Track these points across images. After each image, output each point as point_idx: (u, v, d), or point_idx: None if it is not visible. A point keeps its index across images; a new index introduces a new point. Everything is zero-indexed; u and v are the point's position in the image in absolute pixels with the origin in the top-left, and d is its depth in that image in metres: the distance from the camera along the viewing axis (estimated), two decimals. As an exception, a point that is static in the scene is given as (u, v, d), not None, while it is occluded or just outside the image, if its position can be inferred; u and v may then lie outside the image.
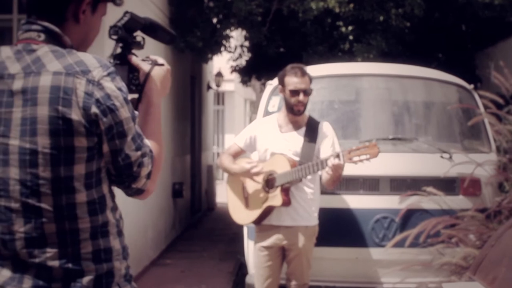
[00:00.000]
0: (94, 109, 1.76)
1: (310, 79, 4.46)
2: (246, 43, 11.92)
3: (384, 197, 5.16)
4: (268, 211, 4.40)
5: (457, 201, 5.16)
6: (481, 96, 5.59)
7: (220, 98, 21.81)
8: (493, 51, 10.59)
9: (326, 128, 4.47)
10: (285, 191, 4.33)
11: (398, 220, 5.12)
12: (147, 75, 2.03)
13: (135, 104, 2.01)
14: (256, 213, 4.44)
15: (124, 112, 1.82)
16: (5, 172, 1.80)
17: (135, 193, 1.95)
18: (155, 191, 6.54)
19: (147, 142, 1.93)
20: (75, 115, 1.75)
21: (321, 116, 5.17)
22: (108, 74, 1.80)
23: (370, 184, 5.06)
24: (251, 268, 5.05)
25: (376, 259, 5.14)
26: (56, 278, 1.81)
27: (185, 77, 11.33)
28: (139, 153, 1.87)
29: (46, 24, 1.85)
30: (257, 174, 4.37)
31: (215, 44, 9.87)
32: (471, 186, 5.16)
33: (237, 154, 4.65)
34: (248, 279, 5.19)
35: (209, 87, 14.96)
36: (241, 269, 7.40)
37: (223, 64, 15.39)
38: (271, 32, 10.43)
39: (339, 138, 4.67)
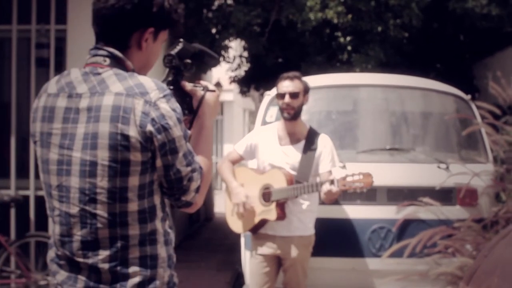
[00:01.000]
0: (149, 127, 1.94)
1: (305, 85, 4.47)
2: (245, 54, 11.96)
3: (381, 207, 5.16)
4: (263, 223, 4.43)
5: (454, 211, 5.16)
6: (478, 107, 5.61)
7: (219, 108, 21.80)
8: (491, 61, 10.62)
9: (325, 142, 4.48)
10: (280, 206, 4.35)
11: (395, 230, 5.12)
12: (201, 101, 2.23)
13: (189, 125, 2.20)
14: (251, 224, 4.47)
15: (177, 131, 2.00)
16: (68, 180, 2.00)
17: (184, 205, 2.12)
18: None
19: (197, 159, 2.11)
20: (132, 132, 1.93)
21: (319, 126, 5.18)
22: (164, 96, 1.98)
23: (367, 194, 5.06)
24: (248, 278, 5.05)
25: (373, 269, 5.14)
26: (104, 280, 1.99)
27: (184, 87, 11.35)
28: (189, 168, 2.04)
29: (111, 50, 2.04)
30: (244, 211, 4.40)
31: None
32: (468, 196, 5.16)
33: (237, 161, 4.67)
34: (245, 289, 5.19)
35: (208, 97, 14.98)
36: (239, 279, 7.39)
37: (222, 74, 15.42)
38: (270, 43, 10.46)
39: (337, 148, 4.68)
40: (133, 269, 2.00)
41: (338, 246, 5.07)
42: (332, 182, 4.14)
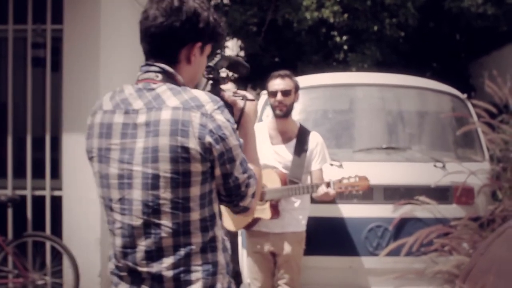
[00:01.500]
0: (208, 139, 2.01)
1: (295, 82, 4.49)
2: (242, 53, 11.96)
3: (377, 206, 5.17)
4: (256, 220, 4.45)
5: (451, 210, 5.17)
6: (474, 105, 5.62)
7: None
8: (487, 60, 10.65)
9: (316, 140, 4.51)
10: (274, 205, 4.38)
11: (391, 229, 5.13)
12: (243, 110, 2.31)
13: None
14: (244, 222, 4.49)
15: (233, 140, 2.08)
16: (130, 193, 2.06)
17: (242, 210, 2.20)
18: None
19: (250, 165, 2.20)
20: (192, 144, 2.00)
21: (316, 125, 5.19)
22: (218, 108, 2.06)
23: (364, 193, 5.07)
24: (246, 277, 5.06)
25: (369, 267, 5.15)
26: None
27: (180, 86, 11.35)
28: (246, 175, 2.14)
29: (162, 65, 2.12)
30: None
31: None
32: (464, 195, 5.17)
33: None
34: (242, 288, 5.20)
35: (204, 97, 15.00)
36: (236, 278, 7.38)
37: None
38: (266, 42, 10.47)
39: (333, 147, 4.70)
40: (195, 275, 2.06)
41: (335, 245, 5.08)
42: (328, 184, 4.21)
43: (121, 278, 2.13)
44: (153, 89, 2.08)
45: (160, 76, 2.11)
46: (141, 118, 2.04)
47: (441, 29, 10.57)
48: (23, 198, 6.20)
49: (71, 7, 6.16)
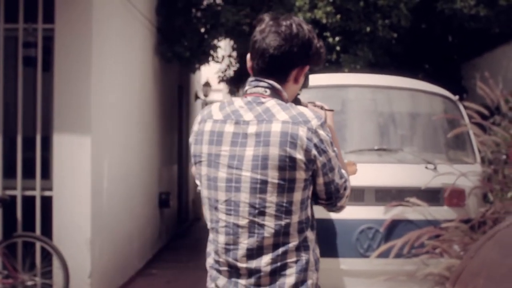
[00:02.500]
0: (313, 151, 2.26)
1: None
2: (234, 53, 11.94)
3: (369, 208, 5.17)
4: None
5: (442, 212, 5.18)
6: (466, 107, 5.62)
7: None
8: (479, 62, 10.67)
9: None
10: None
11: (382, 231, 5.13)
12: (324, 120, 2.45)
13: None
14: None
15: (331, 152, 2.33)
16: (237, 196, 2.29)
17: (338, 209, 2.49)
18: (141, 200, 6.63)
19: (342, 170, 2.45)
20: (299, 155, 2.24)
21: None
22: (321, 124, 2.30)
23: (355, 195, 5.06)
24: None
25: (360, 269, 5.14)
26: (264, 283, 2.28)
27: (172, 86, 11.33)
28: (343, 180, 2.41)
29: (272, 82, 2.36)
30: None
31: (202, 54, 9.88)
32: (455, 197, 5.17)
33: None
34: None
35: (197, 97, 14.96)
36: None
37: (211, 74, 15.41)
38: (259, 42, 10.44)
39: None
40: (290, 271, 2.28)
41: (326, 247, 5.06)
42: None
43: (220, 272, 2.37)
44: (262, 103, 2.32)
45: (268, 92, 2.35)
46: (252, 129, 2.28)
47: (434, 31, 10.58)
48: (13, 198, 6.17)
49: (62, 6, 6.14)
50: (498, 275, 1.81)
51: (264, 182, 2.25)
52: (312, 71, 2.57)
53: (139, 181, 8.51)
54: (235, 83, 12.51)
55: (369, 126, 5.78)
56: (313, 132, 2.27)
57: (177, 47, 9.31)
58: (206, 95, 17.35)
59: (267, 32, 2.35)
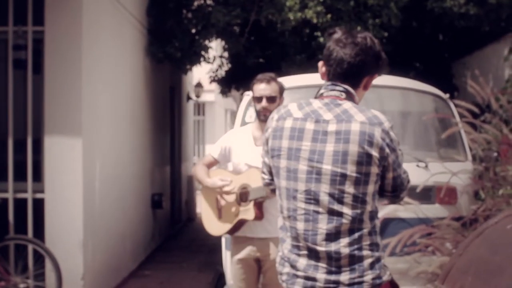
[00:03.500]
0: (387, 150, 2.56)
1: (280, 86, 4.46)
2: (225, 54, 11.94)
3: (361, 207, 5.17)
4: (240, 224, 4.40)
5: (433, 210, 5.19)
6: (456, 105, 5.64)
7: (200, 108, 21.78)
8: (469, 60, 10.71)
9: None
10: (258, 205, 4.32)
11: (375, 229, 5.13)
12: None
13: None
14: (228, 225, 4.43)
15: (398, 151, 2.64)
16: (317, 187, 2.56)
17: (400, 199, 2.80)
18: (133, 202, 6.60)
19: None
20: (375, 152, 2.53)
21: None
22: (391, 126, 2.60)
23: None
24: (229, 279, 5.04)
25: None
26: (343, 263, 2.53)
27: (164, 87, 11.32)
28: (406, 174, 2.74)
29: (347, 87, 2.65)
30: (228, 193, 4.38)
31: (194, 54, 9.87)
32: (447, 195, 5.19)
33: (212, 165, 4.64)
34: (226, 290, 5.18)
35: (188, 98, 14.94)
36: (220, 279, 7.38)
37: (202, 74, 15.39)
38: (250, 43, 10.46)
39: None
40: (366, 252, 2.55)
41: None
42: None
43: (299, 255, 2.60)
44: (340, 105, 2.60)
45: (344, 95, 2.63)
46: (332, 127, 2.55)
47: (424, 30, 10.61)
48: (5, 201, 6.16)
49: (52, 8, 6.13)
50: (486, 272, 1.83)
51: (343, 175, 2.52)
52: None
53: (132, 182, 8.50)
54: (227, 83, 12.49)
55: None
56: (385, 132, 2.56)
57: (168, 48, 9.30)
58: (198, 96, 17.31)
59: (344, 43, 2.64)
